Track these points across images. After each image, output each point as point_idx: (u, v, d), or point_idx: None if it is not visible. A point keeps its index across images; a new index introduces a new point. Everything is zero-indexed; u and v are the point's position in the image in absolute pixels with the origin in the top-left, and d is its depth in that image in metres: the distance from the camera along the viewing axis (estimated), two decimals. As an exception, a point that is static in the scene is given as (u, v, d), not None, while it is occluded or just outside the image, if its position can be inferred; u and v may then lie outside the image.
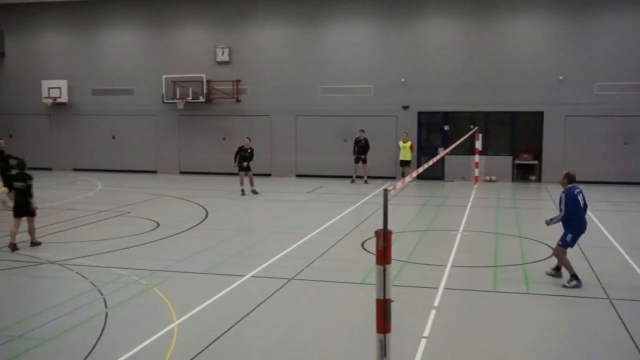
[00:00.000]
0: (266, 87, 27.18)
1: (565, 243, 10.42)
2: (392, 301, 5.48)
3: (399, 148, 24.93)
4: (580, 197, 10.52)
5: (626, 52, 23.83)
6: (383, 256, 5.28)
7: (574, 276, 10.25)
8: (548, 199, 20.57)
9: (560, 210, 10.43)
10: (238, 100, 27.45)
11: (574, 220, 10.35)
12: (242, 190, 21.11)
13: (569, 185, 10.61)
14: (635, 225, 16.20)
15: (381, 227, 5.43)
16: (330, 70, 26.42)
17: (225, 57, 27.44)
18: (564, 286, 10.18)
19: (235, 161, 21.20)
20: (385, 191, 5.35)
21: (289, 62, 26.89)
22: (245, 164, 21.04)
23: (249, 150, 21.19)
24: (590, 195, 20.69)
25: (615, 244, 13.59)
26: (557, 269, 10.81)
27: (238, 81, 27.35)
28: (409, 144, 24.69)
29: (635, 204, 19.60)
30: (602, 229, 15.20)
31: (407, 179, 8.46)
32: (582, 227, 10.45)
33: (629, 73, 23.84)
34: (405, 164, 24.51)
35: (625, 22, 23.95)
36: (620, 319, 8.76)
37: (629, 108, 23.88)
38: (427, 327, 8.39)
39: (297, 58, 26.82)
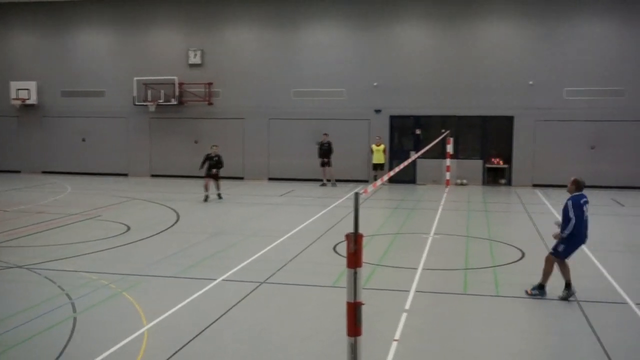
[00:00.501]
0: (239, 90, 27.10)
1: (557, 252, 9.87)
2: (363, 304, 5.51)
3: (371, 151, 25.05)
4: (585, 208, 9.87)
5: (594, 58, 24.26)
6: (354, 259, 5.30)
7: (541, 286, 10.01)
8: (518, 202, 20.82)
9: (570, 218, 9.67)
10: (210, 103, 27.33)
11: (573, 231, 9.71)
12: (206, 197, 20.37)
13: (576, 193, 9.94)
14: (603, 228, 16.45)
15: (352, 230, 5.45)
16: (304, 74, 26.45)
17: (198, 60, 27.30)
18: (526, 292, 10.20)
19: (201, 168, 20.64)
20: (357, 194, 5.37)
21: (262, 65, 26.86)
22: (214, 171, 20.55)
23: (216, 158, 20.62)
24: (559, 199, 21.07)
25: (583, 246, 13.76)
26: (568, 286, 9.91)
27: (210, 84, 27.24)
28: (382, 147, 24.83)
29: (602, 207, 19.92)
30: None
31: (379, 182, 8.51)
32: (579, 240, 9.90)
33: (596, 79, 24.27)
34: (378, 167, 24.65)
35: (593, 28, 24.39)
36: (587, 320, 8.90)
37: (596, 113, 24.30)
38: (398, 330, 8.43)
39: (270, 61, 26.80)
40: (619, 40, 24.21)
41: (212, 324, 8.64)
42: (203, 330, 8.36)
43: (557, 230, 9.99)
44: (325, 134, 24.86)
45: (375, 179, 24.77)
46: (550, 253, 10.09)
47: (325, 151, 24.54)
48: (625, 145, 24.25)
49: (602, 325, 8.67)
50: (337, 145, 25.12)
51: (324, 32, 26.42)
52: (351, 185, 24.84)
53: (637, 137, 24.18)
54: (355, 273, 5.36)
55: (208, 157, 20.69)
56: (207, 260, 12.41)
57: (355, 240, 5.29)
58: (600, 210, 19.36)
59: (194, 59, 27.33)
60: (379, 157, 24.65)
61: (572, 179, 10.16)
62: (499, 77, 24.94)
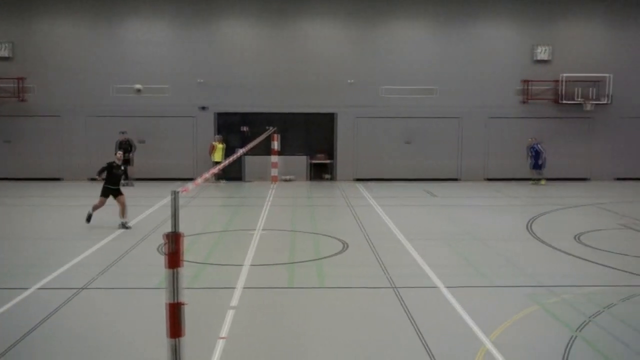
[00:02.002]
0: (56, 86, 25.41)
1: None
2: (185, 304, 5.43)
3: (213, 149, 24.68)
4: None
5: (409, 59, 25.79)
6: (173, 259, 5.21)
7: None
8: (341, 196, 21.62)
9: None
10: (23, 100, 25.42)
11: None
12: (90, 216, 15.62)
13: None
14: (417, 218, 17.59)
15: (174, 229, 5.35)
16: (126, 70, 25.44)
17: (7, 53, 25.28)
18: None
19: (99, 176, 15.79)
20: (175, 193, 5.28)
21: (81, 60, 25.39)
22: (120, 184, 15.93)
23: (123, 168, 16.52)
24: (377, 192, 22.23)
25: (401, 236, 14.64)
26: None
27: (22, 79, 25.33)
28: (223, 145, 24.69)
29: (417, 198, 21.27)
30: (388, 222, 16.29)
31: (199, 180, 8.38)
32: None
33: (410, 78, 25.84)
34: (218, 164, 24.39)
35: (408, 31, 25.94)
36: (403, 305, 9.46)
37: (409, 110, 25.89)
38: (225, 328, 8.42)
39: (90, 56, 25.41)
40: (432, 42, 25.95)
41: (26, 335, 8.06)
42: (17, 342, 7.78)
43: None
44: (123, 132, 24.05)
45: (219, 177, 24.77)
46: None
47: (125, 150, 23.82)
48: (437, 140, 26.07)
49: (416, 309, 9.26)
50: (162, 143, 24.48)
51: (147, 27, 25.59)
52: (178, 183, 24.34)
53: (448, 133, 26.10)
54: (176, 273, 5.27)
55: (111, 166, 15.66)
56: (18, 268, 11.55)
57: (174, 240, 5.20)
58: (415, 202, 20.66)
59: (3, 52, 25.26)
60: (219, 155, 24.42)
61: None
62: (321, 76, 25.71)
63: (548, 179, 24.93)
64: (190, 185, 6.84)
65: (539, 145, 24.44)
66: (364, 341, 8.16)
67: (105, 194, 15.59)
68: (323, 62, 25.73)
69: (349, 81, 25.65)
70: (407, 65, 25.83)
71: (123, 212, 15.47)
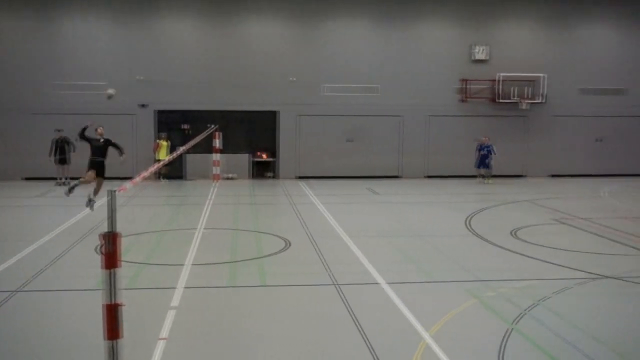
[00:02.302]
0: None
1: None
2: (123, 305, 5.34)
3: (158, 147, 24.24)
4: None
5: (350, 57, 25.94)
6: (110, 260, 5.12)
7: None
8: (283, 194, 21.61)
9: None
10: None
11: None
12: (91, 202, 15.07)
13: None
14: (359, 215, 17.74)
15: (111, 229, 5.26)
16: (63, 66, 24.76)
17: None
18: None
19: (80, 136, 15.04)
20: (112, 192, 5.19)
21: (15, 55, 24.56)
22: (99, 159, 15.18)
23: (102, 141, 15.33)
24: (320, 190, 22.32)
25: (343, 233, 14.74)
26: None
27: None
28: (168, 143, 24.33)
29: (359, 196, 21.47)
30: (330, 220, 16.38)
31: (137, 179, 8.25)
32: None
33: (351, 76, 26.02)
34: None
35: (348, 30, 26.08)
36: (345, 302, 9.53)
37: (351, 109, 26.08)
38: (166, 328, 8.31)
39: (25, 51, 24.62)
40: (374, 41, 26.16)
41: (-46, 341, 7.79)
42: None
43: None
44: (59, 130, 23.33)
45: (160, 175, 24.47)
46: None
47: (61, 148, 23.24)
48: (379, 138, 26.34)
49: (359, 306, 9.34)
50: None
51: (83, 23, 24.96)
52: (117, 182, 23.82)
53: (389, 131, 26.40)
54: (113, 274, 5.18)
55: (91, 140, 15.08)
56: (-51, 272, 11.15)
57: (111, 240, 5.11)
58: (357, 199, 20.85)
59: None
60: (164, 153, 24.03)
61: None
62: (263, 74, 25.61)
63: (483, 176, 25.32)
64: (127, 185, 6.73)
65: (492, 146, 24.63)
66: (306, 339, 8.19)
67: (92, 166, 15.04)
68: (265, 59, 25.64)
69: (290, 79, 25.66)
70: (349, 63, 26.00)
71: (96, 192, 15.00)
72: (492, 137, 25.57)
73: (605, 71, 27.22)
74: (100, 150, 15.15)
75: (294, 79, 25.70)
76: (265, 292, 10.23)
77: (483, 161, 24.78)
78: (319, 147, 26.03)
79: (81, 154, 23.77)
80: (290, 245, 13.51)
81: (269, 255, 12.62)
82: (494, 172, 25.08)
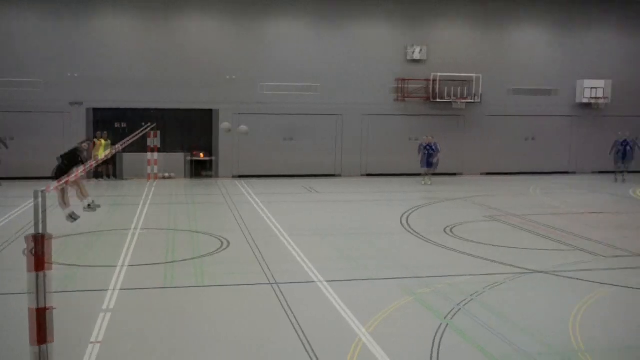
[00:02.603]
0: None
1: None
2: (50, 309, 5.20)
3: (95, 145, 23.59)
4: None
5: (288, 55, 25.89)
6: (37, 262, 4.98)
7: None
8: (220, 194, 21.44)
9: None
10: None
11: None
12: (73, 214, 14.57)
13: None
14: (297, 214, 17.78)
15: (38, 231, 5.12)
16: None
17: None
18: None
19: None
20: (40, 192, 5.05)
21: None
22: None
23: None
24: (258, 189, 22.26)
25: (281, 232, 14.74)
26: None
27: None
28: (108, 142, 23.76)
29: (295, 194, 21.50)
30: (268, 219, 16.36)
31: (72, 177, 8.08)
32: None
33: (290, 75, 26.01)
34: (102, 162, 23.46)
35: (286, 28, 26.04)
36: (282, 301, 9.55)
37: (290, 107, 26.07)
38: (100, 331, 8.15)
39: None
40: (312, 40, 26.12)
41: None
42: None
43: None
44: None
45: (99, 175, 24.10)
46: None
47: None
48: (317, 137, 26.43)
49: (296, 304, 9.37)
50: (32, 140, 23.30)
51: (15, 17, 24.11)
52: (48, 182, 23.17)
53: (328, 129, 26.50)
54: (41, 277, 5.04)
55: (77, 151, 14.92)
56: None
57: (38, 243, 4.97)
58: (296, 198, 20.88)
59: None
60: (102, 152, 23.43)
61: None
62: (201, 72, 25.31)
63: (420, 175, 25.21)
64: (55, 184, 6.55)
65: (435, 145, 24.41)
66: (243, 338, 8.17)
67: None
68: (202, 57, 25.35)
69: (228, 77, 25.47)
70: (287, 62, 25.96)
71: (83, 193, 14.99)
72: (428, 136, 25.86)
73: (536, 72, 28.07)
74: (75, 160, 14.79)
75: (233, 77, 25.53)
76: (202, 292, 10.14)
77: (428, 160, 24.36)
78: (257, 146, 25.88)
79: (13, 153, 23.18)
80: (228, 244, 13.42)
81: (206, 255, 12.51)
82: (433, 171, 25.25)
